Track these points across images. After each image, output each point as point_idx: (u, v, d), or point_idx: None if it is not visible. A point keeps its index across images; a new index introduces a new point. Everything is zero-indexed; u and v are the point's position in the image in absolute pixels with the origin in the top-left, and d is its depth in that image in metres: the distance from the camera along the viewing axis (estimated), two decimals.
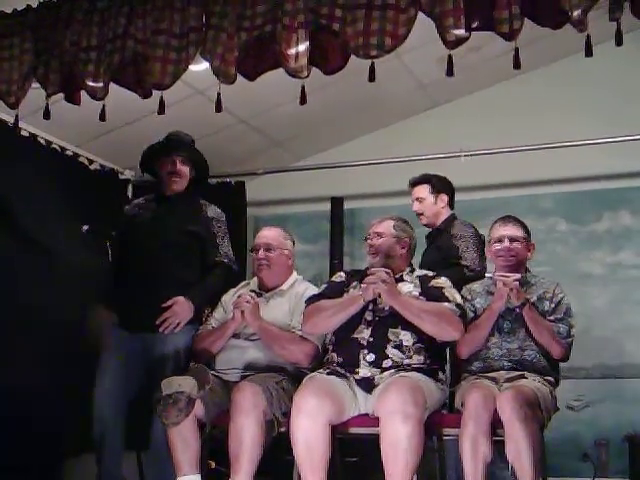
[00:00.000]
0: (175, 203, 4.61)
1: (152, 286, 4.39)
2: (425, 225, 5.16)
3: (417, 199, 5.14)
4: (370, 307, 3.99)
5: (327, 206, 6.76)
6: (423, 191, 5.12)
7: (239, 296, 4.28)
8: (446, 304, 3.93)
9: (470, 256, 4.76)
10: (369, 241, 4.21)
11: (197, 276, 4.54)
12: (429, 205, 5.11)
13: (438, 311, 3.91)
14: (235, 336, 4.28)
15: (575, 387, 6.04)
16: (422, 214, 5.12)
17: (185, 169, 4.60)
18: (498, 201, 6.44)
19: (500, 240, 4.20)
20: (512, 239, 4.18)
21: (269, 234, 4.51)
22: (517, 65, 3.11)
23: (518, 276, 4.00)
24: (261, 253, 4.40)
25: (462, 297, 4.13)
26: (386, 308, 3.95)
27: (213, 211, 4.70)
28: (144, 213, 4.62)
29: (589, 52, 3.05)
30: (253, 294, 4.29)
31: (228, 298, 4.49)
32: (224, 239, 4.66)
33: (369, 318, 3.97)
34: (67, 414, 4.62)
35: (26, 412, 4.97)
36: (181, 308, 4.36)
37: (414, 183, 5.19)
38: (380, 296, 3.92)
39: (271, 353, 4.17)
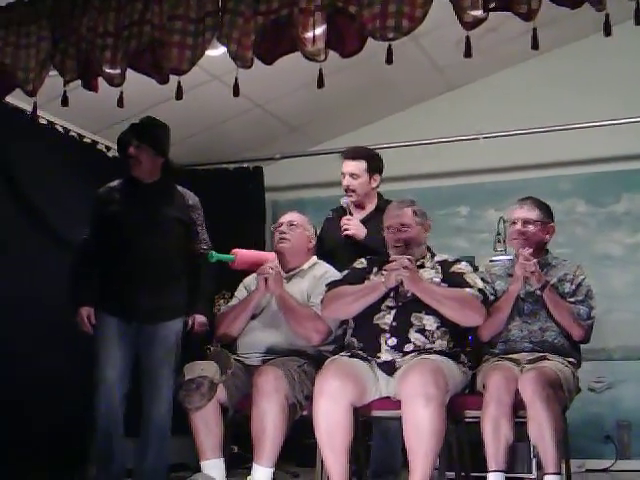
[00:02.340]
0: (158, 191, 4.58)
1: (149, 276, 4.42)
2: (352, 202, 4.82)
3: (351, 174, 4.77)
4: (392, 294, 3.97)
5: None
6: (358, 168, 4.77)
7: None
8: (468, 290, 3.91)
9: None
10: (393, 234, 4.10)
11: (184, 265, 4.58)
12: (363, 184, 4.77)
13: (460, 297, 3.89)
14: (255, 317, 4.30)
15: (596, 369, 6.03)
16: (354, 191, 4.78)
17: (142, 155, 4.50)
18: (517, 183, 6.42)
19: (514, 222, 4.19)
20: (525, 221, 4.16)
21: (294, 214, 4.56)
22: (535, 45, 3.08)
23: (534, 261, 3.97)
24: (284, 227, 4.44)
25: (482, 279, 4.11)
26: (409, 294, 3.93)
27: (192, 198, 4.68)
28: (126, 200, 4.54)
29: (608, 31, 3.02)
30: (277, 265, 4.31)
31: (249, 280, 4.51)
32: (203, 226, 4.68)
33: (391, 304, 3.95)
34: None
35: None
36: (204, 326, 4.59)
37: (350, 156, 4.84)
38: (402, 283, 3.90)
39: (292, 336, 4.18)
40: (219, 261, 4.50)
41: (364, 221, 4.72)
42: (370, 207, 4.84)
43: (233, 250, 4.55)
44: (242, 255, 4.52)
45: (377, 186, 4.87)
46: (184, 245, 4.59)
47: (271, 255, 4.58)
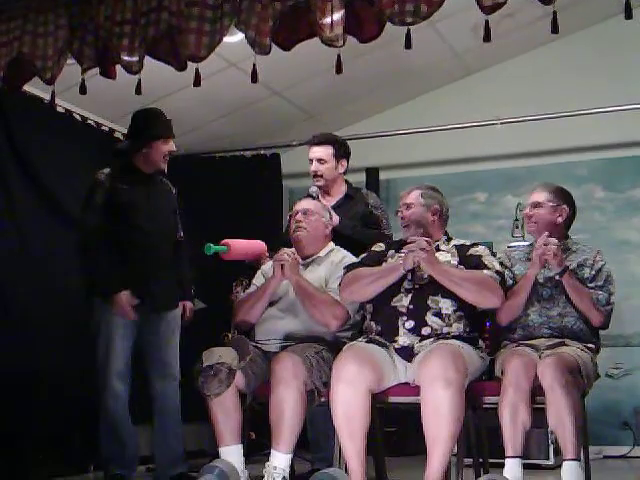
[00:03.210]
0: (157, 182, 4.68)
1: (159, 266, 4.54)
2: (318, 187, 4.91)
3: (318, 160, 4.85)
4: (409, 276, 3.97)
5: (362, 177, 6.75)
6: (325, 153, 4.84)
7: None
8: (485, 271, 3.90)
9: (388, 226, 4.78)
10: (400, 214, 4.20)
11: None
12: (330, 169, 4.85)
13: (478, 279, 3.88)
14: (273, 304, 4.29)
15: (614, 355, 6.04)
16: (321, 176, 4.85)
17: None
18: (534, 169, 6.42)
19: (526, 207, 4.21)
20: (533, 205, 4.17)
21: (309, 202, 4.56)
22: (555, 30, 3.07)
23: (555, 241, 3.96)
24: (299, 216, 4.41)
25: (501, 264, 4.11)
26: (425, 276, 3.92)
27: (173, 188, 4.78)
28: (135, 190, 4.54)
29: (629, 14, 3.01)
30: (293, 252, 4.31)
31: (267, 268, 4.50)
32: (179, 214, 4.79)
33: (408, 286, 3.95)
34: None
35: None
36: (192, 312, 4.83)
37: (317, 142, 4.91)
38: (419, 265, 3.90)
39: (310, 323, 4.17)
40: (215, 253, 4.51)
41: (334, 208, 4.76)
42: (339, 194, 4.92)
43: (224, 241, 4.53)
44: (235, 245, 4.51)
45: (345, 172, 4.95)
46: (175, 234, 4.72)
47: (262, 244, 4.69)
